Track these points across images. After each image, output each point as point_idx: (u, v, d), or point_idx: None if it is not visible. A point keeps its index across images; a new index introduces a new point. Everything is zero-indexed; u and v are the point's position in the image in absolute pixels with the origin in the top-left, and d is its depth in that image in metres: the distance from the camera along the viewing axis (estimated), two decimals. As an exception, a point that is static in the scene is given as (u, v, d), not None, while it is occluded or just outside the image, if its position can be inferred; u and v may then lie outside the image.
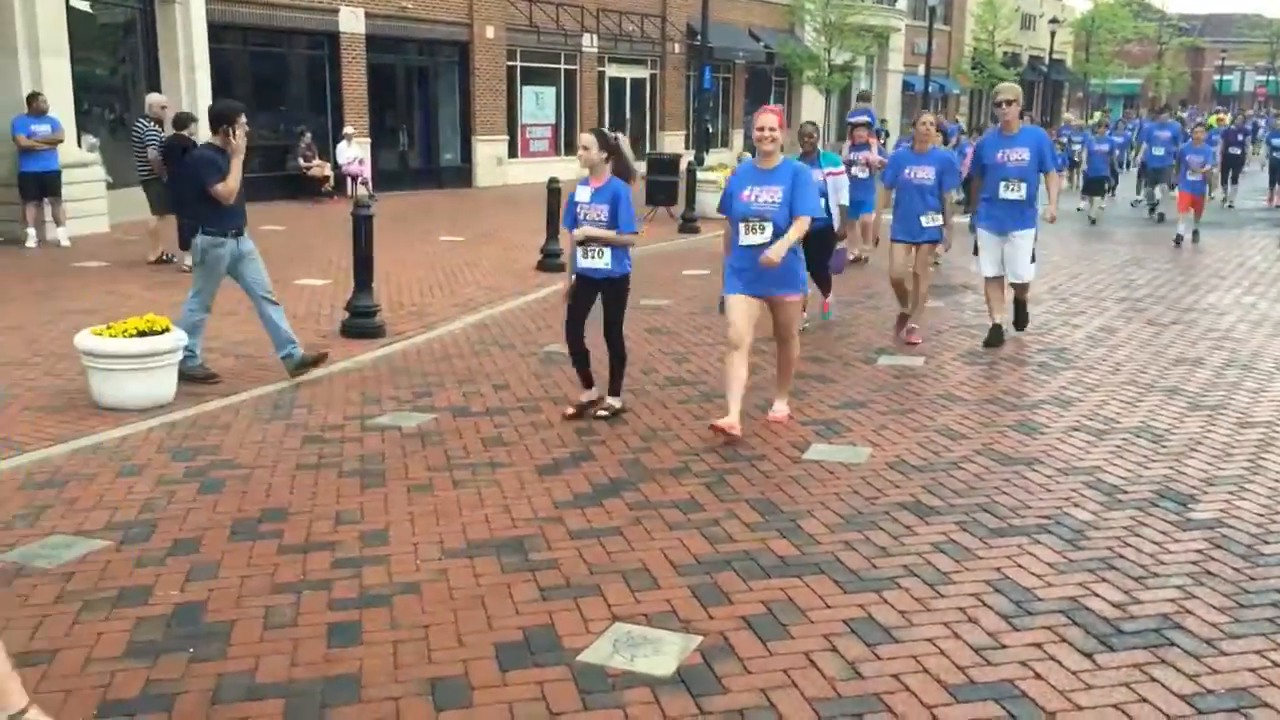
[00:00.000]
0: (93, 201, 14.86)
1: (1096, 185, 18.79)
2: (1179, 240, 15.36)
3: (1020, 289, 8.76)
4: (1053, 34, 44.29)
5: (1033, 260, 8.55)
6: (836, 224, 8.95)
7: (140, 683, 3.56)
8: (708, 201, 16.19)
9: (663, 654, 3.72)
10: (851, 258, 12.86)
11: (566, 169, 24.73)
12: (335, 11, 21.64)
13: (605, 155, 6.39)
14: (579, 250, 6.43)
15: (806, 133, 9.18)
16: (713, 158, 25.64)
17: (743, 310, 6.14)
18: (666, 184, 18.62)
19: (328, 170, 20.87)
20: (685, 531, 4.83)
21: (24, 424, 6.40)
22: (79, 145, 14.99)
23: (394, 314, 9.72)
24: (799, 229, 6.00)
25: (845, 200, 9.13)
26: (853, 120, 14.08)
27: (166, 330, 6.84)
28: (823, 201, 8.35)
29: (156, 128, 12.60)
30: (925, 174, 8.44)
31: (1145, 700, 3.41)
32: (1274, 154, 22.59)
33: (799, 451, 5.98)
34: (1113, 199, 19.15)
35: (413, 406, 6.98)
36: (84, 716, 3.38)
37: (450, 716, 3.38)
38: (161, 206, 12.38)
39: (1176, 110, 44.74)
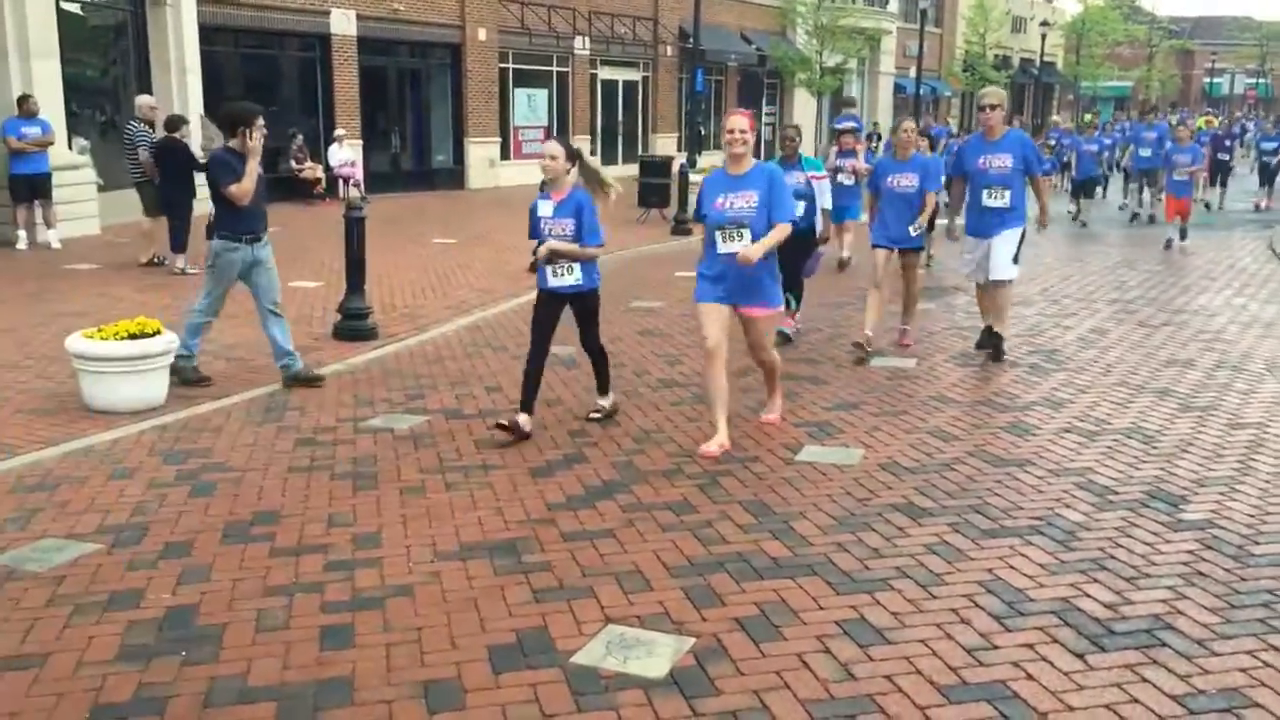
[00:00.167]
0: (83, 204, 14.83)
1: (1086, 187, 18.76)
2: (1169, 244, 15.27)
3: (998, 292, 8.13)
4: (1043, 36, 44.43)
5: (1016, 261, 8.08)
6: (819, 227, 8.79)
7: (132, 686, 3.55)
8: (700, 204, 16.20)
9: (656, 656, 3.72)
10: (844, 257, 12.87)
11: (559, 171, 24.77)
12: (326, 14, 21.62)
13: (570, 166, 6.21)
14: (546, 268, 6.22)
15: (788, 136, 9.07)
16: (705, 160, 25.65)
17: (715, 316, 6.02)
18: (659, 186, 18.68)
19: (320, 172, 20.84)
20: (678, 533, 4.83)
21: (15, 427, 6.38)
22: (70, 147, 14.95)
23: (386, 316, 9.72)
24: (778, 235, 5.88)
25: (827, 204, 8.96)
26: (839, 127, 14.08)
27: (158, 333, 6.83)
28: (802, 205, 8.25)
29: (147, 129, 12.58)
30: (908, 181, 8.31)
31: (1137, 701, 3.42)
32: (1263, 158, 22.60)
33: (791, 453, 5.99)
34: (1103, 199, 19.15)
35: (405, 409, 6.97)
36: (75, 720, 3.37)
37: (443, 719, 3.38)
38: (154, 208, 12.36)
39: (1167, 113, 44.88)
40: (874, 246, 8.52)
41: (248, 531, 4.89)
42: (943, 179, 9.55)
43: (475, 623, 3.99)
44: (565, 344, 8.82)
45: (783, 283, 8.77)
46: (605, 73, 29.54)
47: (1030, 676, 3.57)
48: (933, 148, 13.25)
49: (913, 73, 36.39)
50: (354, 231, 8.68)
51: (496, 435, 6.16)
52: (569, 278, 6.21)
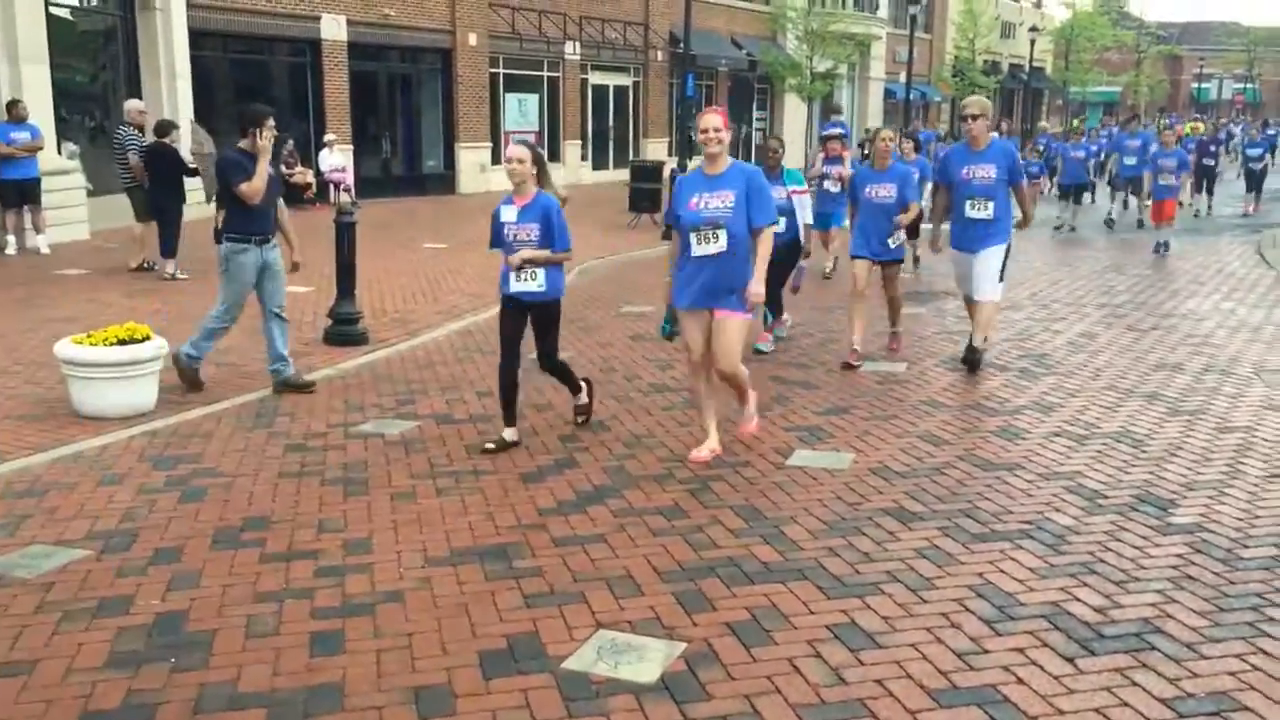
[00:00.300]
0: (73, 209, 14.79)
1: (1075, 193, 18.63)
2: (1158, 248, 15.25)
3: (981, 307, 7.95)
4: (1032, 42, 44.64)
5: (1001, 279, 7.91)
6: (802, 241, 8.69)
7: (121, 693, 3.54)
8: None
9: (647, 661, 3.72)
10: (827, 269, 12.88)
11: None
12: (317, 19, 21.61)
13: (536, 170, 6.04)
14: (512, 274, 6.06)
15: (771, 148, 8.92)
16: (695, 164, 25.71)
17: (696, 324, 5.86)
18: (649, 191, 18.73)
19: (310, 177, 20.79)
20: (669, 538, 4.84)
21: (3, 433, 6.36)
22: (59, 152, 14.92)
23: (377, 321, 9.71)
24: (766, 247, 5.69)
25: (809, 218, 8.83)
26: (826, 133, 14.04)
27: (147, 338, 6.81)
28: (784, 221, 8.15)
29: (137, 133, 12.56)
30: (886, 191, 8.15)
31: (1126, 704, 3.43)
32: (1249, 163, 22.48)
33: (782, 457, 5.99)
34: (1092, 203, 19.14)
35: (396, 414, 6.96)
36: (64, 727, 3.36)
37: (434, 725, 3.38)
38: (145, 213, 12.34)
39: (1156, 118, 45.08)
40: (853, 257, 8.39)
41: (238, 537, 4.88)
42: (929, 185, 9.53)
43: (466, 628, 3.98)
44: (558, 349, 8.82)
45: (774, 297, 8.76)
46: (596, 78, 29.57)
47: (1020, 680, 3.58)
48: (918, 150, 13.24)
49: (902, 78, 36.48)
50: (345, 236, 8.67)
51: (486, 453, 6.09)
52: (533, 283, 6.05)
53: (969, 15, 45.17)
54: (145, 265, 12.39)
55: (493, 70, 25.91)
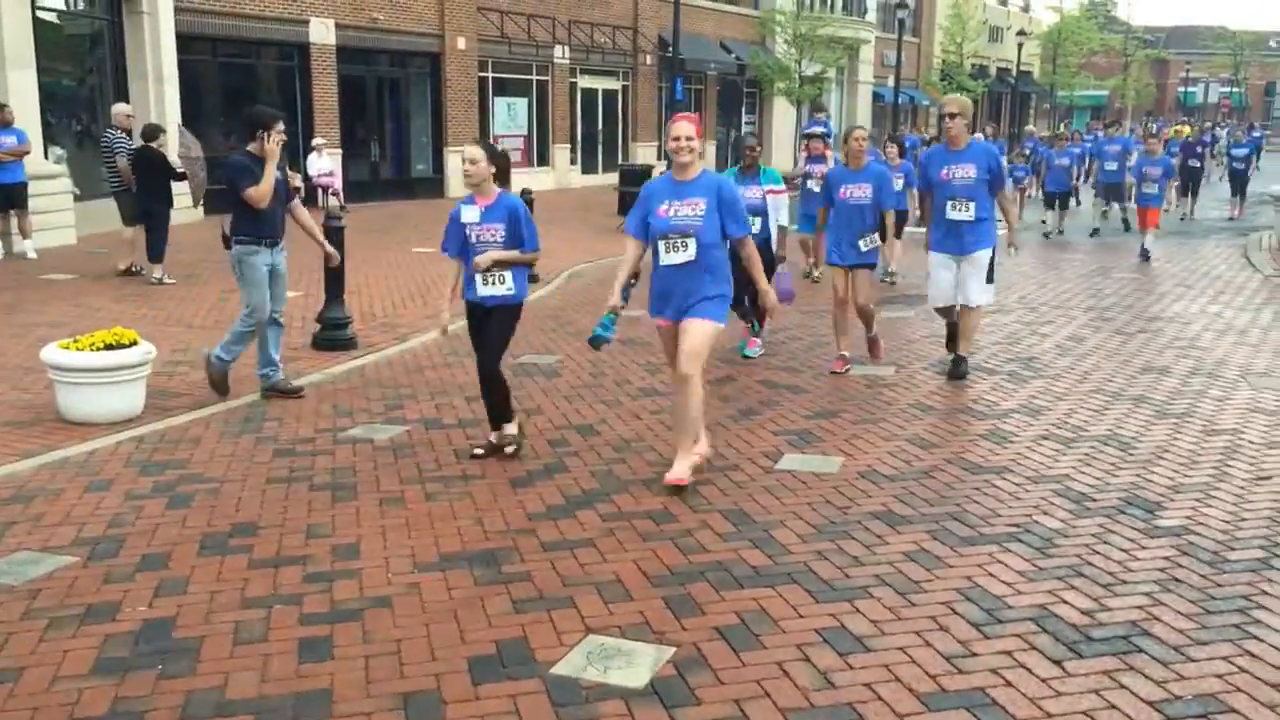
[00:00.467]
0: (60, 214, 14.73)
1: (1060, 199, 18.46)
2: (1145, 254, 15.04)
3: (970, 314, 7.89)
4: (1020, 46, 44.79)
5: (990, 281, 7.82)
6: (775, 245, 8.40)
7: (108, 700, 3.52)
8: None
9: (636, 665, 3.72)
10: (816, 276, 12.81)
11: (539, 180, 24.82)
12: (305, 23, 21.57)
13: (495, 170, 5.89)
14: (478, 277, 5.86)
15: (748, 145, 8.73)
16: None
17: (673, 343, 5.62)
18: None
19: (298, 181, 20.74)
20: (658, 542, 4.84)
21: (-11, 439, 6.33)
22: (46, 157, 14.86)
23: (365, 326, 9.69)
24: (753, 252, 5.61)
25: (785, 220, 8.54)
26: (809, 131, 13.92)
27: (134, 343, 6.78)
28: (758, 222, 8.09)
29: (125, 137, 12.53)
30: (862, 192, 7.98)
31: (1114, 707, 3.44)
32: (1234, 165, 22.49)
33: (771, 461, 6.00)
34: (1078, 207, 19.11)
35: (384, 419, 6.95)
36: (50, 735, 3.35)
37: (423, 731, 3.37)
38: (133, 217, 12.30)
39: (1146, 123, 45.29)
40: (830, 264, 8.29)
41: (226, 543, 4.86)
42: (914, 191, 9.43)
43: (455, 634, 3.98)
44: (547, 352, 8.83)
45: (744, 301, 8.42)
46: (585, 81, 29.57)
47: (1009, 683, 3.59)
48: (902, 154, 13.19)
49: (891, 82, 36.59)
50: (333, 241, 8.63)
51: (475, 458, 6.06)
52: (501, 287, 5.88)
53: (957, 19, 45.35)
54: (134, 269, 12.35)
55: (481, 74, 25.89)
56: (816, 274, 12.73)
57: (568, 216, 20.15)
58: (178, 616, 4.12)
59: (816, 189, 11.84)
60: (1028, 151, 22.72)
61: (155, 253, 11.99)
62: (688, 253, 5.42)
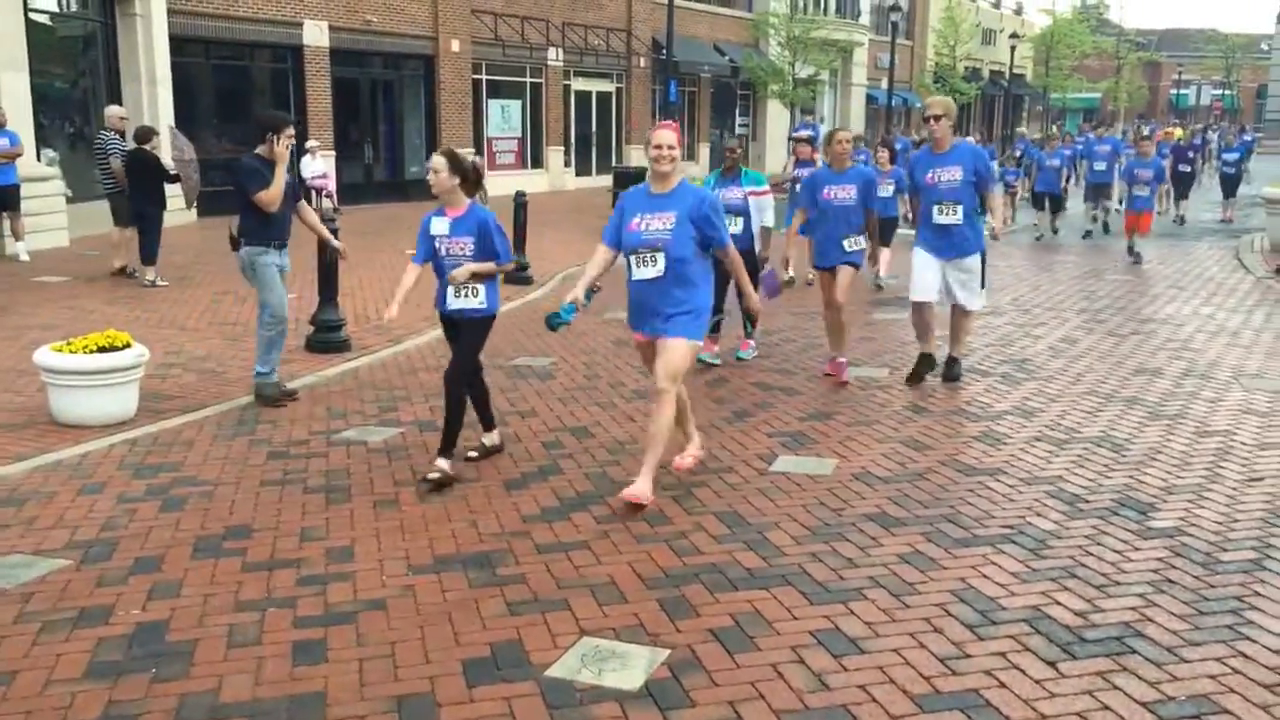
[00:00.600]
0: (52, 216, 14.70)
1: (1051, 201, 18.27)
2: (1137, 258, 14.92)
3: (963, 318, 7.92)
4: (1013, 49, 44.87)
5: (983, 285, 7.83)
6: (758, 247, 8.26)
7: (101, 704, 3.52)
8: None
9: (630, 668, 3.72)
10: (800, 281, 12.67)
11: (533, 182, 24.81)
12: (299, 25, 21.55)
13: (458, 180, 5.72)
14: (450, 289, 5.76)
15: (729, 148, 8.56)
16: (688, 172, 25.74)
17: (653, 353, 5.53)
18: (633, 197, 18.68)
19: (290, 183, 20.73)
20: (653, 545, 4.84)
21: (-19, 442, 6.31)
22: (38, 159, 14.82)
23: (359, 328, 9.68)
24: (740, 263, 5.53)
25: (769, 222, 8.34)
26: (796, 135, 13.78)
27: (127, 346, 6.77)
28: (740, 221, 8.03)
29: (119, 138, 12.51)
30: (846, 193, 7.81)
31: (1108, 708, 3.45)
32: (1224, 169, 22.33)
33: (765, 463, 6.00)
34: (1062, 210, 18.91)
35: (378, 421, 6.94)
36: (43, 739, 3.34)
37: (417, 734, 3.37)
38: (125, 218, 12.28)
39: (1137, 124, 45.38)
40: (815, 268, 8.22)
41: (219, 546, 4.85)
42: (903, 195, 9.28)
43: (449, 636, 3.97)
44: (541, 355, 8.83)
45: (723, 305, 8.23)
46: (579, 84, 29.59)
47: (1003, 685, 3.60)
48: (893, 159, 13.12)
49: (884, 84, 36.66)
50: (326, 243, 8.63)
51: (469, 457, 6.06)
52: (474, 300, 5.76)
53: (950, 22, 45.46)
54: (129, 272, 12.33)
55: (475, 76, 25.90)
56: (789, 275, 12.47)
57: (561, 219, 20.14)
58: (171, 620, 4.12)
59: None
60: (1019, 154, 22.68)
61: (148, 255, 11.97)
62: (656, 267, 5.28)
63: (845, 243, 7.86)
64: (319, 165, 20.97)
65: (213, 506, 5.36)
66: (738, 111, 36.71)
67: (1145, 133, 21.56)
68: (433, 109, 24.84)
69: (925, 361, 7.84)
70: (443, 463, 5.66)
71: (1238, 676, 3.64)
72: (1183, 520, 5.09)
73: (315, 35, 21.86)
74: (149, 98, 17.43)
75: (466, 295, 5.76)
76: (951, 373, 7.93)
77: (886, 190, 11.63)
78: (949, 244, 7.60)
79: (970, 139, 20.59)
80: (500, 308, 5.99)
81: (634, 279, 5.40)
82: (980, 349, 9.05)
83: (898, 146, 15.71)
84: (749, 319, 8.55)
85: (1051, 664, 3.73)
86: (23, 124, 14.01)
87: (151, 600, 4.29)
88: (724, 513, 5.23)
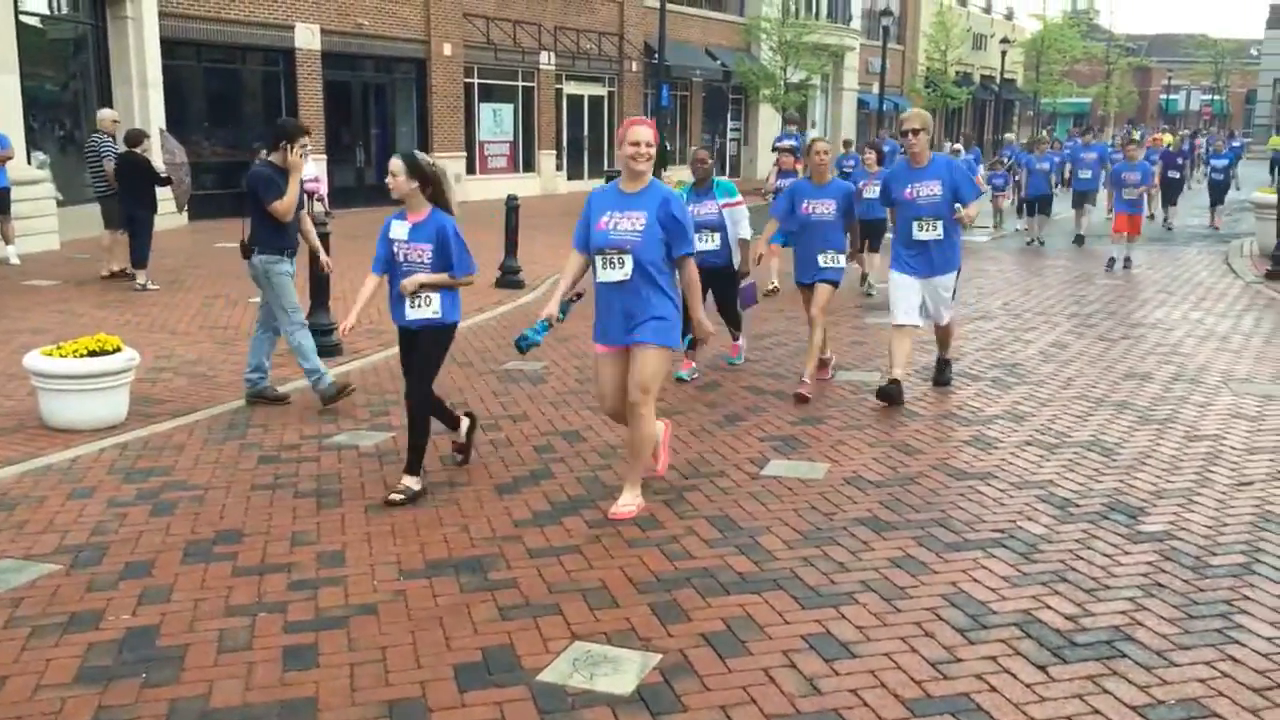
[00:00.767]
0: (43, 219, 14.66)
1: (1041, 205, 18.18)
2: (1111, 263, 14.78)
3: (943, 330, 7.80)
4: (1004, 54, 45.05)
5: (953, 297, 7.66)
6: (737, 260, 7.97)
7: (91, 709, 3.50)
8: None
9: (622, 672, 3.72)
10: (770, 287, 12.52)
11: (525, 186, 24.80)
12: (290, 28, 21.53)
13: (417, 184, 5.45)
14: (406, 299, 5.48)
15: (699, 158, 8.18)
16: (671, 174, 25.76)
17: (609, 372, 5.27)
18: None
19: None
20: (644, 549, 4.84)
21: (-29, 446, 6.29)
22: (29, 162, 14.78)
23: (350, 332, 9.64)
24: (692, 275, 5.20)
25: (746, 233, 7.97)
26: (778, 145, 13.60)
27: (118, 350, 6.75)
28: (716, 237, 7.79)
29: (112, 140, 12.49)
30: (826, 208, 7.58)
31: (1098, 712, 3.46)
32: (1213, 174, 22.19)
33: (757, 467, 6.01)
34: (1048, 216, 18.83)
35: (370, 425, 6.93)
36: (33, 745, 3.33)
37: (408, 739, 3.36)
38: (115, 222, 12.25)
39: (1128, 129, 45.52)
40: (799, 284, 7.96)
41: (210, 551, 4.84)
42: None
43: (440, 641, 3.97)
44: (533, 359, 8.82)
45: (725, 318, 8.25)
46: (571, 88, 29.61)
47: (993, 689, 3.60)
48: (880, 161, 13.06)
49: (876, 89, 36.75)
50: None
51: (459, 464, 6.02)
52: (428, 309, 5.47)
53: (941, 27, 45.60)
54: (126, 273, 12.28)
55: (467, 80, 25.90)
56: (773, 284, 12.25)
57: (553, 223, 20.14)
58: (161, 624, 4.11)
59: None
60: (1006, 159, 22.61)
61: (139, 259, 11.94)
62: (623, 270, 5.03)
63: (821, 258, 7.62)
64: (310, 169, 20.88)
65: (203, 511, 5.35)
66: (729, 116, 36.76)
67: (1136, 137, 21.55)
68: (424, 113, 24.83)
69: (895, 385, 7.30)
70: (410, 481, 5.52)
71: (1227, 680, 3.66)
72: (1172, 524, 5.11)
73: (307, 38, 21.83)
74: (140, 100, 17.39)
75: (421, 305, 5.49)
76: (943, 376, 7.92)
77: (873, 191, 11.58)
78: (927, 262, 7.34)
79: (958, 147, 20.55)
80: (461, 318, 5.71)
81: (599, 281, 5.15)
82: (971, 353, 9.08)
83: (885, 149, 15.65)
84: (735, 325, 8.42)
85: (1042, 668, 3.74)
86: (13, 127, 13.98)
87: (142, 605, 4.27)
88: (716, 517, 5.24)
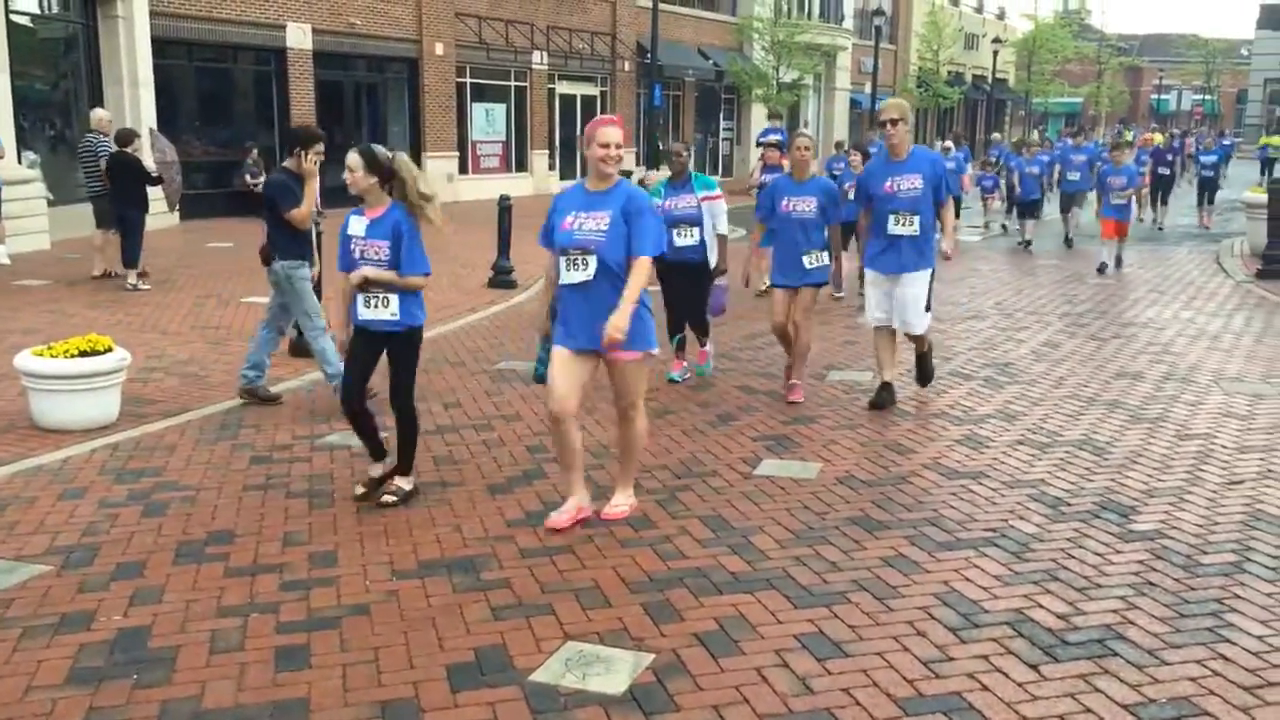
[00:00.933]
0: (33, 219, 14.62)
1: (1030, 208, 18.05)
2: (1103, 268, 14.57)
3: (918, 341, 7.44)
4: (995, 53, 45.13)
5: (928, 309, 7.20)
6: (714, 258, 7.76)
7: (82, 711, 3.50)
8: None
9: (615, 672, 3.72)
10: (764, 288, 12.34)
11: (517, 186, 24.78)
12: (282, 28, 21.48)
13: (376, 179, 5.23)
14: (359, 298, 5.27)
15: (675, 152, 8.01)
16: (664, 174, 25.76)
17: (567, 370, 4.94)
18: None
19: (274, 187, 20.66)
20: (637, 548, 4.84)
21: (-39, 447, 6.26)
22: (19, 162, 14.74)
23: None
24: (639, 277, 4.78)
25: (724, 229, 7.80)
26: (763, 140, 13.35)
27: (109, 350, 6.73)
28: (695, 232, 7.62)
29: (107, 140, 12.46)
30: (806, 206, 7.30)
31: (1089, 710, 3.47)
32: (1203, 173, 21.96)
33: (750, 467, 6.01)
34: (1039, 220, 18.77)
35: (362, 425, 6.92)
36: (24, 746, 3.32)
37: (401, 739, 3.36)
38: (107, 221, 12.22)
39: (1120, 129, 45.61)
40: (773, 286, 7.61)
41: (202, 551, 4.83)
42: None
43: (433, 641, 3.97)
44: (526, 358, 8.82)
45: (686, 321, 7.92)
46: (563, 87, 29.59)
47: (985, 688, 3.61)
48: (866, 162, 12.89)
49: (868, 89, 36.79)
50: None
51: (357, 499, 5.45)
52: (385, 311, 5.24)
53: (933, 27, 45.68)
54: (131, 277, 12.24)
55: (460, 80, 25.87)
56: (764, 287, 12.01)
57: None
58: (153, 625, 4.10)
59: None
60: (994, 160, 22.51)
61: (130, 258, 11.91)
62: (586, 271, 4.84)
63: (805, 260, 7.34)
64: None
65: (195, 511, 5.33)
66: (722, 116, 36.79)
67: (1129, 138, 21.46)
68: (417, 112, 24.80)
69: (886, 390, 7.30)
70: (401, 481, 5.48)
71: (1218, 679, 3.67)
72: (1163, 523, 5.12)
73: (298, 38, 21.80)
74: (131, 100, 17.35)
75: (377, 306, 5.25)
76: (924, 370, 7.57)
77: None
78: (897, 259, 7.09)
79: (947, 145, 20.49)
80: (424, 321, 5.45)
81: (563, 284, 4.95)
82: (963, 353, 9.10)
83: (872, 150, 15.50)
84: (701, 332, 8.07)
85: (1034, 667, 3.75)
86: (3, 126, 13.95)
87: (133, 606, 4.26)
88: (708, 517, 5.24)
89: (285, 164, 7.15)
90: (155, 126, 16.41)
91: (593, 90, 30.81)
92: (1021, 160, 18.60)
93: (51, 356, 6.58)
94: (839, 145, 22.89)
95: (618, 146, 4.88)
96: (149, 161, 12.95)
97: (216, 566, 4.66)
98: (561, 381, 4.93)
